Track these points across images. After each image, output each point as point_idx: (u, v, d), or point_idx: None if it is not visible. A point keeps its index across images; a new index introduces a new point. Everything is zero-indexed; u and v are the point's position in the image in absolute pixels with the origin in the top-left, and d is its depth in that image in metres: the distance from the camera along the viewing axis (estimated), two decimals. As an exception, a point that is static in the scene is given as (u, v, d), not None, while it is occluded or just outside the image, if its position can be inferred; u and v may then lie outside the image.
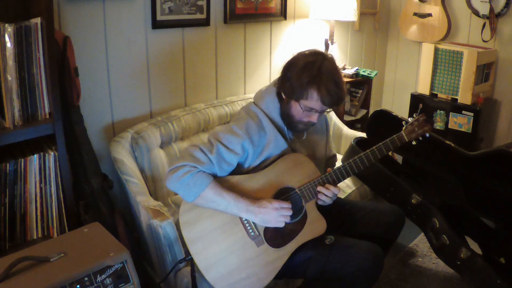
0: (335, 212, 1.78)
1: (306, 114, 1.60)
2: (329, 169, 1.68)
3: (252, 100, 1.76)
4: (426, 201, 2.07)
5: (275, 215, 1.55)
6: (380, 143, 1.70)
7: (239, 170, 1.65)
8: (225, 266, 1.55)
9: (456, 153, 2.17)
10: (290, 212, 1.57)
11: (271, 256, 1.58)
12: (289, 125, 1.67)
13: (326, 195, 1.62)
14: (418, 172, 2.47)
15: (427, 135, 1.75)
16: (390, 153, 2.39)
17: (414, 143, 1.75)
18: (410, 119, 1.77)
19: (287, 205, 1.57)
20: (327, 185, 1.63)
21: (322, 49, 2.94)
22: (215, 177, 1.57)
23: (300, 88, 1.56)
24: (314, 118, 1.62)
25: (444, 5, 3.16)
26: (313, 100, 1.56)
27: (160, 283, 1.78)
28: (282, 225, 1.58)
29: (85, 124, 1.85)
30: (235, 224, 1.57)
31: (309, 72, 1.54)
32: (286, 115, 1.65)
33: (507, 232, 2.12)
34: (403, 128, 1.75)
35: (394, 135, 1.73)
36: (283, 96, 1.64)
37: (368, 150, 1.69)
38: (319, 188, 1.62)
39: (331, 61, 1.60)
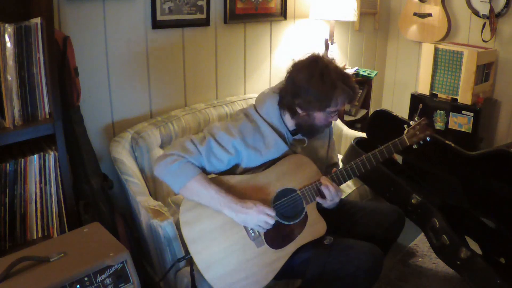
0: (334, 212, 1.77)
1: (328, 117, 1.62)
2: (334, 169, 1.69)
3: (252, 101, 1.76)
4: (426, 201, 2.07)
5: (256, 218, 1.52)
6: (382, 147, 1.71)
7: (239, 171, 1.65)
8: (224, 266, 1.55)
9: (456, 153, 2.17)
10: (272, 221, 1.53)
11: (270, 257, 1.58)
12: (309, 133, 1.68)
13: (328, 190, 1.61)
14: (418, 172, 2.47)
15: (428, 138, 1.75)
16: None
17: (415, 146, 1.76)
18: (412, 123, 1.77)
19: (271, 212, 1.54)
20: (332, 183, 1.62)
21: (322, 49, 2.96)
22: (204, 171, 1.56)
23: (326, 96, 1.55)
24: (336, 117, 1.65)
25: (444, 5, 3.15)
26: (339, 102, 1.58)
27: (159, 281, 1.78)
28: (261, 230, 1.56)
29: (85, 124, 1.85)
30: (235, 224, 1.57)
31: (326, 78, 1.54)
32: (306, 126, 1.65)
33: (507, 232, 2.12)
34: (405, 131, 1.75)
35: (396, 139, 1.73)
36: (299, 111, 1.61)
37: (370, 153, 1.70)
38: (323, 179, 1.62)
39: (325, 58, 1.61)
